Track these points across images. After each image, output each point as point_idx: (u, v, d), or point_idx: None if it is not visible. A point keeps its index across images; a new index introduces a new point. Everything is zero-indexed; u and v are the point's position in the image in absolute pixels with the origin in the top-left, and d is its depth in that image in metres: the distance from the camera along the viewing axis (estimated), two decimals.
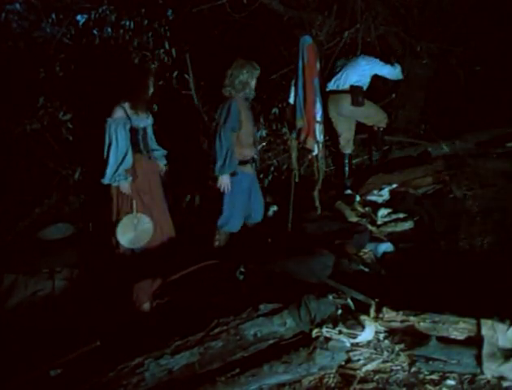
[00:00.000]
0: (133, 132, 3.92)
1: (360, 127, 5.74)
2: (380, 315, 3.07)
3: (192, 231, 4.55)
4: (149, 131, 4.14)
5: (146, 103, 4.04)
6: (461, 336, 2.90)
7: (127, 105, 3.89)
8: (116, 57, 5.42)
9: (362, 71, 5.36)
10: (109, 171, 3.81)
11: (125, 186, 3.88)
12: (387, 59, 5.49)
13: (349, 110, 5.35)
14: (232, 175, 4.01)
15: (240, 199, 4.11)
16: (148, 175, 4.03)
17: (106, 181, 3.85)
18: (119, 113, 3.85)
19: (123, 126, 3.83)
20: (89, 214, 5.06)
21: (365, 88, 5.38)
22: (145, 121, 4.01)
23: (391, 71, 5.46)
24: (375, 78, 5.47)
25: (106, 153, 3.83)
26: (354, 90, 5.28)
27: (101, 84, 4.91)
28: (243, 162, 4.06)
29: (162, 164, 4.21)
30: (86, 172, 5.26)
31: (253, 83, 4.05)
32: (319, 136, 4.39)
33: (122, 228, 3.90)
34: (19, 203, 5.23)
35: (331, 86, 5.39)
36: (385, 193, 5.17)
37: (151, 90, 4.02)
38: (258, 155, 4.32)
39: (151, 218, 3.99)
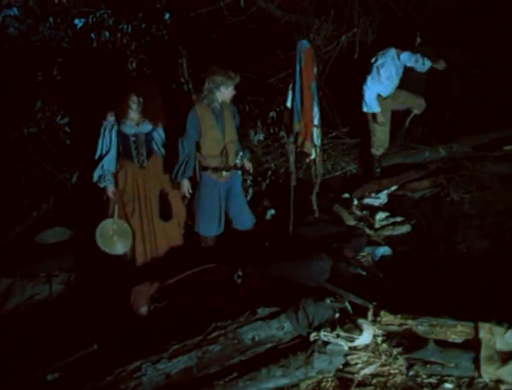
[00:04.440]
0: (123, 137, 3.98)
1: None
2: (378, 319, 3.07)
3: (190, 235, 4.54)
4: (154, 138, 4.14)
5: (140, 112, 4.04)
6: (458, 340, 2.91)
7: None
8: (110, 64, 5.44)
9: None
10: (93, 170, 4.00)
11: (109, 189, 4.01)
12: None
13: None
14: (192, 180, 4.11)
15: (206, 204, 4.16)
16: (136, 183, 4.05)
17: (93, 180, 4.03)
18: (109, 116, 4.00)
19: (109, 129, 3.98)
20: (87, 218, 5.05)
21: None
22: (135, 128, 4.02)
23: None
24: None
25: None
26: None
27: (98, 88, 4.92)
28: (210, 170, 4.10)
29: None
30: (83, 176, 5.25)
31: (222, 93, 4.02)
32: (317, 140, 4.40)
33: (100, 230, 4.04)
34: (17, 207, 5.22)
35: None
36: (383, 197, 5.18)
37: (136, 105, 4.01)
38: (235, 163, 4.22)
39: (132, 227, 4.07)
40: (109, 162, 4.00)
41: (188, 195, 4.17)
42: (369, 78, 5.34)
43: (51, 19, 5.71)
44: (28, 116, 5.19)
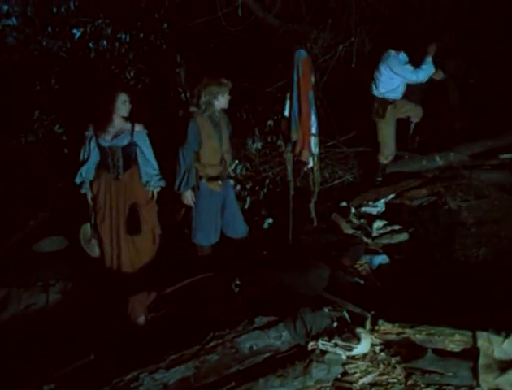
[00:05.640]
0: (100, 148, 4.08)
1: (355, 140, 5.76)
2: (376, 328, 3.07)
3: (186, 245, 4.53)
4: (136, 150, 4.12)
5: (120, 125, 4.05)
6: (457, 348, 2.90)
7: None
8: (108, 73, 5.45)
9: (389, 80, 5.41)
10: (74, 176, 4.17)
11: (87, 196, 4.16)
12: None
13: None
14: (193, 190, 4.09)
15: (204, 214, 4.15)
16: (109, 194, 4.10)
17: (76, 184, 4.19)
18: (89, 128, 4.08)
19: (88, 140, 4.08)
20: None
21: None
22: (109, 142, 4.03)
23: (413, 76, 5.35)
24: None
25: None
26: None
27: (96, 97, 4.93)
28: (208, 179, 4.10)
29: (151, 187, 4.17)
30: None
31: (220, 101, 4.02)
32: (314, 149, 4.41)
33: (82, 233, 4.24)
34: (14, 215, 5.20)
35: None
36: (380, 205, 5.18)
37: (125, 105, 4.01)
38: (229, 172, 4.27)
39: (101, 235, 4.17)
40: (87, 171, 4.11)
41: (193, 205, 4.14)
42: (392, 75, 5.32)
43: (50, 29, 5.74)
44: (26, 125, 5.20)
